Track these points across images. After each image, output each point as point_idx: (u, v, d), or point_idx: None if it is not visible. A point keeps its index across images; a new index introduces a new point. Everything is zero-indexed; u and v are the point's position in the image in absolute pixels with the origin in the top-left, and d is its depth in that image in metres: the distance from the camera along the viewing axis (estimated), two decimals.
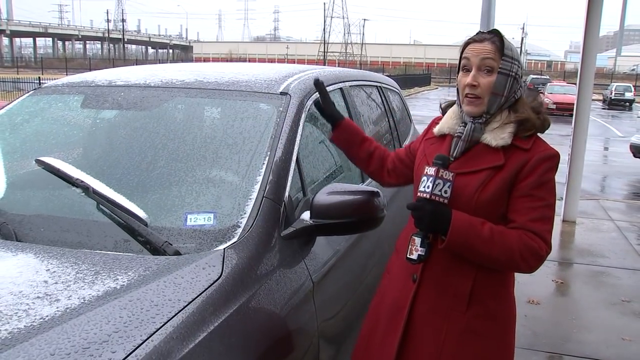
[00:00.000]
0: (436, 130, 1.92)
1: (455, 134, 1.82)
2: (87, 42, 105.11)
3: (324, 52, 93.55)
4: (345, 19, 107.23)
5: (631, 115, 28.24)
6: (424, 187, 1.69)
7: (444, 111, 1.96)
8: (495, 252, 1.65)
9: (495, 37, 1.75)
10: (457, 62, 1.82)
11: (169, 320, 1.35)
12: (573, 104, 6.84)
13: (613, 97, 33.22)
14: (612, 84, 37.73)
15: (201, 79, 2.44)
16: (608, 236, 6.21)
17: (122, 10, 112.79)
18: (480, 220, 1.68)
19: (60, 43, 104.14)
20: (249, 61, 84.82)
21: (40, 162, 2.07)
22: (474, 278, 1.77)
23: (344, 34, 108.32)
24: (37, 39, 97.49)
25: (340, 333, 2.21)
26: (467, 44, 1.79)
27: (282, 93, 2.31)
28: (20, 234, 1.81)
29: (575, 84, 7.39)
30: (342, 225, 1.93)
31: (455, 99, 1.89)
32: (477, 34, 1.80)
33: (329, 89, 2.77)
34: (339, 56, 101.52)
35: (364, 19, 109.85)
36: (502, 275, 1.82)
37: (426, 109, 26.83)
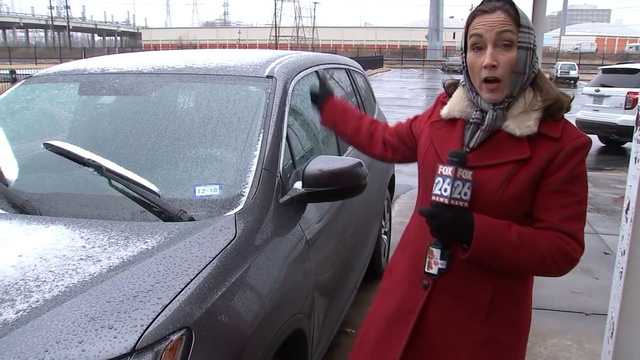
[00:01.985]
0: (444, 113, 1.65)
1: (471, 120, 1.57)
2: (30, 30, 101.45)
3: (276, 36, 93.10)
4: (295, 2, 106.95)
5: (576, 92, 29.42)
6: (440, 189, 1.46)
7: (447, 90, 1.72)
8: (524, 258, 1.46)
9: (506, 4, 1.49)
10: (462, 40, 1.57)
11: (199, 272, 1.58)
12: None
13: (559, 75, 34.49)
14: (558, 62, 39.14)
15: (190, 65, 2.64)
16: None
17: None
18: (506, 224, 1.47)
19: (0, 32, 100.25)
20: (200, 47, 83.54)
21: (49, 146, 2.24)
22: (495, 287, 1.57)
23: (295, 18, 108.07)
24: None
25: (330, 284, 2.51)
26: (473, 16, 1.51)
27: (267, 76, 2.53)
28: (43, 210, 1.99)
29: None
30: (330, 192, 2.19)
31: (462, 80, 1.65)
32: (484, 2, 1.52)
33: (306, 72, 3.02)
34: (290, 40, 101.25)
35: (315, 2, 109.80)
36: (523, 280, 1.64)
37: (380, 90, 27.26)
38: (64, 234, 1.76)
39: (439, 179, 1.48)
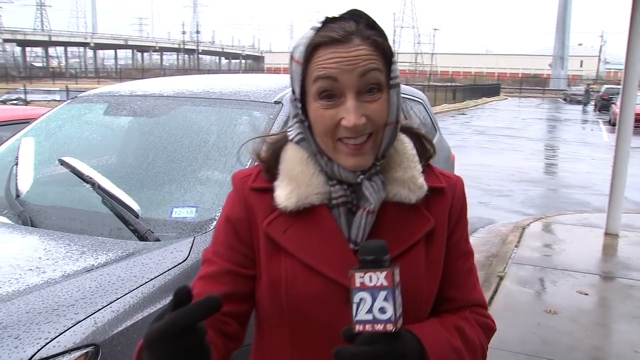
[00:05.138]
0: (290, 202, 1.05)
1: (335, 202, 1.07)
2: (164, 53, 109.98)
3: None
4: (415, 28, 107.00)
5: None
6: (372, 312, 0.89)
7: (263, 159, 1.13)
8: (467, 356, 1.09)
9: (365, 26, 1.01)
10: (297, 80, 1.04)
11: (130, 292, 1.61)
12: None
13: None
14: None
15: (208, 89, 2.73)
16: None
17: (197, 22, 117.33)
18: (446, 328, 1.07)
19: (139, 54, 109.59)
20: None
21: (61, 161, 2.40)
22: None
23: (414, 44, 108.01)
24: (118, 50, 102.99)
25: None
26: (316, 46, 1.00)
27: (275, 102, 2.55)
28: (36, 220, 2.14)
29: None
30: None
31: (294, 134, 1.10)
32: (329, 24, 1.01)
33: None
34: (408, 66, 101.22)
35: (435, 29, 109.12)
36: None
37: (491, 118, 26.43)
38: (32, 245, 1.88)
39: (364, 295, 0.89)
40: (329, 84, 0.99)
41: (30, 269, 1.70)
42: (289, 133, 1.12)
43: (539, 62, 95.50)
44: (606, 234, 6.56)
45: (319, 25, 1.02)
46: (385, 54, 1.03)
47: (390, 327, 0.89)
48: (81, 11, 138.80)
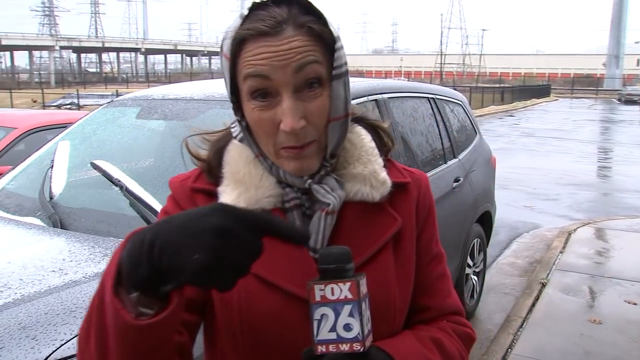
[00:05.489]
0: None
1: (287, 205, 0.95)
2: (212, 57, 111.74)
3: (441, 63, 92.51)
4: (463, 29, 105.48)
5: None
6: (336, 330, 0.78)
7: (206, 160, 1.00)
8: None
9: (299, 12, 0.87)
10: (227, 77, 0.91)
11: None
12: None
13: None
14: None
15: None
16: None
17: None
18: (420, 339, 0.97)
19: (188, 59, 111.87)
20: (366, 74, 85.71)
21: (93, 164, 2.45)
22: None
23: (462, 45, 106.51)
24: (168, 55, 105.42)
25: None
26: (243, 40, 0.86)
27: None
28: (66, 222, 2.19)
29: None
30: None
31: (236, 131, 0.98)
32: (256, 10, 0.87)
33: (358, 100, 2.97)
34: (456, 68, 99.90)
35: (483, 29, 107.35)
36: None
37: (540, 120, 25.76)
38: (58, 246, 1.92)
39: (323, 310, 0.78)
40: (261, 83, 0.86)
41: (54, 270, 1.73)
42: (232, 130, 0.98)
43: (592, 62, 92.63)
44: None
45: (246, 12, 0.87)
46: (326, 41, 0.88)
47: (357, 346, 0.77)
48: (133, 17, 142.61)
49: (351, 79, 3.38)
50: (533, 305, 4.43)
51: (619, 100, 46.78)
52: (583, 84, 69.63)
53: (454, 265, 3.83)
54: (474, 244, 4.23)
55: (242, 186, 0.94)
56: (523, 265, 5.59)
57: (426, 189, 1.06)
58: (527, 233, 7.01)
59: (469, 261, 4.17)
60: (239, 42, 0.86)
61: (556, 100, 47.47)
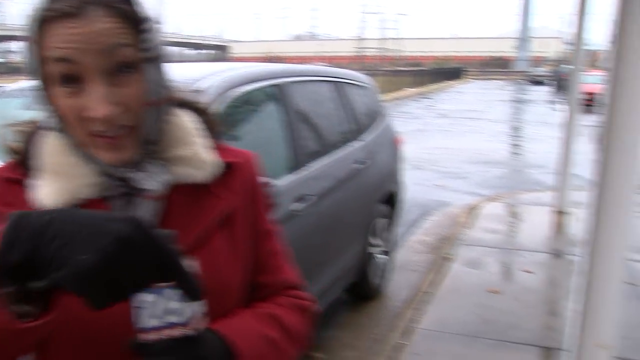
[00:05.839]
0: (59, 203, 0.88)
1: (112, 193, 0.91)
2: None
3: (360, 48, 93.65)
4: (381, 14, 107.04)
5: None
6: (166, 315, 0.74)
7: (18, 152, 0.95)
8: (290, 349, 1.01)
9: None
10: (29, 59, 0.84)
11: None
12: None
13: None
14: None
15: None
16: None
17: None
18: (257, 316, 0.98)
19: None
20: (286, 60, 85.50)
21: None
22: None
23: (381, 30, 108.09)
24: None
25: None
26: (43, 21, 0.80)
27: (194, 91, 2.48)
28: None
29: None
30: None
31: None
32: None
33: (257, 85, 2.96)
34: (375, 52, 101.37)
35: (401, 14, 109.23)
36: None
37: (453, 101, 26.64)
38: None
39: (145, 296, 0.73)
40: (66, 68, 0.80)
41: None
42: (44, 119, 0.92)
43: (504, 45, 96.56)
44: (556, 211, 6.67)
45: None
46: (137, 23, 0.84)
47: (184, 330, 0.75)
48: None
49: (250, 64, 3.35)
50: (439, 280, 4.60)
51: (530, 82, 49.10)
52: (494, 67, 72.55)
53: (358, 245, 3.90)
54: (378, 224, 4.31)
55: (58, 177, 0.90)
56: (432, 242, 5.78)
57: (255, 169, 1.07)
58: (438, 211, 7.25)
59: (373, 240, 4.24)
60: (41, 24, 0.80)
61: (470, 82, 49.26)
